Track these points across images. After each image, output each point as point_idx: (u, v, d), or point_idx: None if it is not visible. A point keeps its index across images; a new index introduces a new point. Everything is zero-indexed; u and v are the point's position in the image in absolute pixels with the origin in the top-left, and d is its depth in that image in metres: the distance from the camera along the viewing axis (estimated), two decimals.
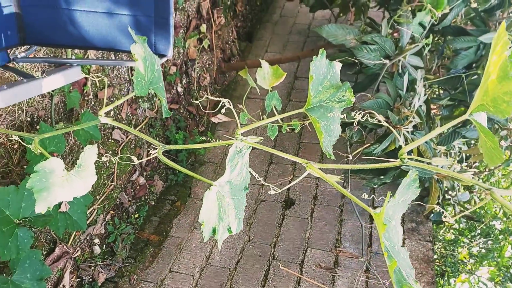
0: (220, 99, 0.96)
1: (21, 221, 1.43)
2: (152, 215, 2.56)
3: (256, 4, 3.82)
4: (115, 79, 2.13)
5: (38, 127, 1.66)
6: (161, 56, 1.21)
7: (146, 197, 2.55)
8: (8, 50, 1.16)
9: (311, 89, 0.81)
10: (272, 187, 0.89)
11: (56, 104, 1.75)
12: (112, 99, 2.11)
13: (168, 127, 2.64)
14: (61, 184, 0.97)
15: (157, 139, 2.56)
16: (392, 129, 0.94)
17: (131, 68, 2.23)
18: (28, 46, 1.22)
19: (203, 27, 2.85)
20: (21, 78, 1.16)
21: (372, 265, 2.19)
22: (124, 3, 1.14)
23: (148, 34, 1.19)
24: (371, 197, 2.35)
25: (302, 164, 0.76)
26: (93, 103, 1.98)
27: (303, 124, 1.81)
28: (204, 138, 2.90)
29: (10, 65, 1.17)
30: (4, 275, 1.50)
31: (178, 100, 2.74)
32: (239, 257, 2.32)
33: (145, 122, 2.39)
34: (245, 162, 0.96)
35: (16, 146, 1.59)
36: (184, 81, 2.79)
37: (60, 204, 1.64)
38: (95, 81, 1.96)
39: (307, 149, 2.89)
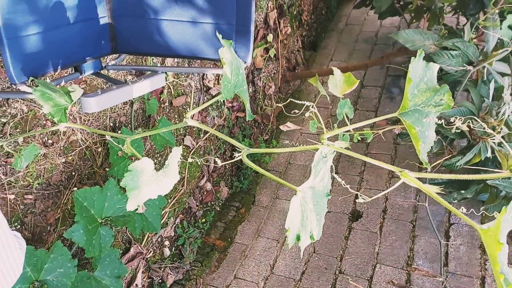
0: (305, 102, 0.95)
1: (103, 220, 1.52)
2: (217, 220, 2.60)
3: (322, 13, 3.79)
4: (188, 88, 2.21)
5: (119, 131, 1.76)
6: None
7: (213, 203, 2.60)
8: (100, 58, 1.24)
9: (408, 92, 0.76)
10: (360, 195, 0.85)
11: (136, 111, 1.85)
12: (184, 107, 2.19)
13: (234, 135, 2.68)
14: (150, 183, 1.01)
15: (224, 146, 2.61)
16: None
17: (202, 77, 2.30)
18: (117, 55, 1.31)
19: (270, 37, 2.88)
20: (111, 84, 1.24)
21: (448, 287, 2.03)
22: (208, 12, 1.17)
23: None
24: (470, 211, 2.19)
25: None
26: (168, 110, 2.07)
27: (377, 133, 1.75)
28: (267, 146, 2.90)
29: (101, 72, 1.26)
30: (86, 270, 1.60)
31: (244, 108, 2.78)
32: (304, 268, 2.27)
33: (213, 129, 2.45)
34: (328, 168, 0.94)
35: (100, 149, 1.69)
36: (250, 89, 2.82)
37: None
38: (170, 89, 2.04)
39: (376, 160, 2.78)
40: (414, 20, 2.60)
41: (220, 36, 0.89)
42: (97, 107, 1.05)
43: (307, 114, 0.99)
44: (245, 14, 1.16)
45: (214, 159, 0.91)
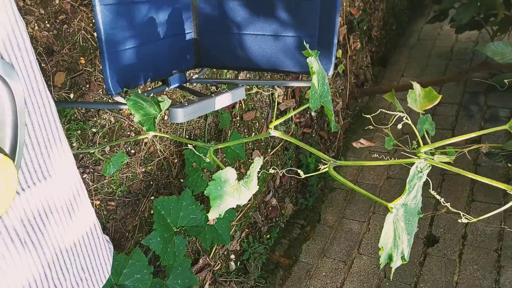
0: (398, 112, 0.90)
1: (178, 229, 1.55)
2: (282, 237, 2.56)
3: (392, 29, 3.68)
4: (258, 103, 2.23)
5: (194, 145, 1.81)
6: None
7: (277, 219, 2.57)
8: (185, 72, 1.29)
9: None
10: (464, 215, 0.78)
11: (209, 124, 1.90)
12: (253, 121, 2.21)
13: (301, 151, 2.65)
14: (232, 192, 1.01)
15: (290, 162, 2.58)
16: None
17: (272, 93, 2.31)
18: (200, 69, 1.35)
19: (339, 53, 2.84)
20: (193, 96, 1.28)
21: None
22: (290, 25, 1.18)
23: None
24: None
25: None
26: (238, 124, 2.10)
27: (461, 152, 1.62)
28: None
29: (185, 85, 1.30)
30: (159, 278, 1.64)
31: (311, 124, 2.75)
32: None
33: (280, 144, 2.44)
34: (421, 184, 0.87)
35: (176, 160, 1.75)
36: None
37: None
38: (241, 104, 2.08)
39: (452, 181, 2.59)
40: (498, 33, 2.42)
41: (307, 46, 0.88)
42: (184, 117, 1.08)
43: (391, 124, 0.94)
44: (329, 27, 1.14)
45: (297, 171, 0.89)
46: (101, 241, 0.96)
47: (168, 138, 1.70)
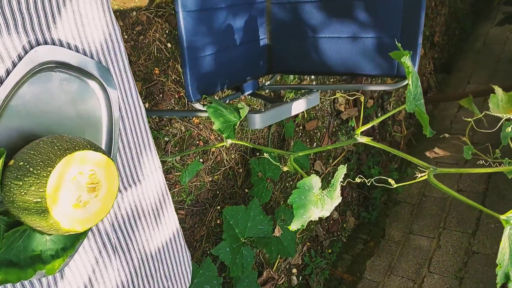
0: (469, 119, 0.81)
1: (245, 240, 1.52)
2: (344, 252, 2.45)
3: (455, 34, 3.50)
4: (319, 112, 2.17)
5: (257, 154, 1.79)
6: (404, 78, 1.14)
7: (339, 233, 2.47)
8: (258, 79, 1.27)
9: None
10: None
11: (272, 134, 1.87)
12: (315, 131, 2.16)
13: (362, 162, 2.55)
14: (316, 202, 0.96)
15: (352, 173, 2.48)
16: None
17: (333, 101, 2.25)
18: (271, 75, 1.33)
19: None
20: (266, 103, 1.25)
21: None
22: (370, 26, 1.12)
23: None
24: None
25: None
26: (300, 133, 2.05)
27: None
28: (400, 174, 2.69)
29: (257, 92, 1.28)
30: None
31: (372, 133, 2.64)
32: None
33: (342, 155, 2.36)
34: None
35: (241, 170, 1.73)
36: (379, 114, 2.68)
37: (273, 228, 1.69)
38: (304, 113, 2.03)
39: None
40: None
41: (399, 45, 0.82)
42: (261, 123, 1.06)
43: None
44: (414, 26, 1.07)
45: (370, 181, 0.83)
46: (183, 249, 0.94)
47: (233, 147, 1.69)
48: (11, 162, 0.57)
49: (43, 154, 0.55)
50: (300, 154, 1.04)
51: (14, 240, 0.62)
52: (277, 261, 2.00)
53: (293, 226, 0.96)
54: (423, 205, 2.58)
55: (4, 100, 0.59)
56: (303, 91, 1.24)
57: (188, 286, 0.98)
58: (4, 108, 0.60)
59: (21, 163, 0.55)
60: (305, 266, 2.21)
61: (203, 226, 1.60)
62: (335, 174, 0.96)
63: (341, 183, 0.99)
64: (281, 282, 1.98)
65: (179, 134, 1.46)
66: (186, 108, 1.47)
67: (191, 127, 1.49)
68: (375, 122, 0.92)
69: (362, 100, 0.92)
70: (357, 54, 1.16)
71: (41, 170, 0.54)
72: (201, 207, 1.59)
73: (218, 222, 1.67)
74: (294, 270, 2.16)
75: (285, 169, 1.08)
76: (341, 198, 1.04)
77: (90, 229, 0.74)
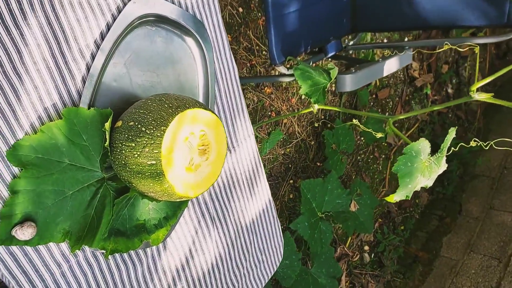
0: None
1: (323, 215, 1.45)
2: (417, 229, 2.31)
3: None
4: (392, 79, 2.02)
5: (328, 125, 1.69)
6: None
7: (411, 209, 2.33)
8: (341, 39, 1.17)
9: None
10: None
11: (344, 103, 1.76)
12: (387, 100, 2.01)
13: (437, 133, 2.36)
14: (423, 170, 0.86)
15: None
16: None
17: (407, 67, 2.08)
18: (354, 34, 1.21)
19: None
20: (344, 64, 1.14)
21: None
22: None
23: (502, 2, 0.98)
24: None
25: None
26: (372, 103, 1.92)
27: None
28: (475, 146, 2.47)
29: (339, 54, 1.18)
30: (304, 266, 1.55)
31: (447, 101, 2.43)
32: None
33: (416, 126, 2.20)
34: None
35: (312, 142, 1.65)
36: (453, 80, 2.46)
37: (350, 203, 1.60)
38: (376, 81, 1.89)
39: None
40: None
41: None
42: (352, 85, 0.96)
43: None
44: None
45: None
46: (275, 221, 0.89)
47: (305, 118, 1.60)
48: (119, 123, 0.53)
49: (154, 113, 0.50)
50: (401, 117, 0.94)
51: (121, 208, 0.59)
52: (350, 237, 1.92)
53: (396, 197, 0.86)
54: (504, 178, 2.36)
55: (106, 57, 0.55)
56: (387, 51, 1.12)
57: (280, 260, 0.93)
58: (105, 68, 0.55)
59: (132, 123, 0.51)
60: (377, 243, 2.11)
61: (276, 201, 1.55)
62: (446, 138, 0.85)
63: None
64: (355, 259, 1.90)
65: (252, 105, 1.40)
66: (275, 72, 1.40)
67: (263, 97, 1.42)
68: (499, 74, 0.79)
69: (477, 51, 0.79)
70: (458, 2, 1.02)
71: (154, 129, 0.49)
72: (274, 181, 1.54)
73: (291, 196, 1.61)
74: (366, 247, 2.07)
75: (379, 135, 0.99)
76: (446, 165, 0.93)
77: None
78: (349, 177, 1.87)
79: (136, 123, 0.50)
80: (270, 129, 1.49)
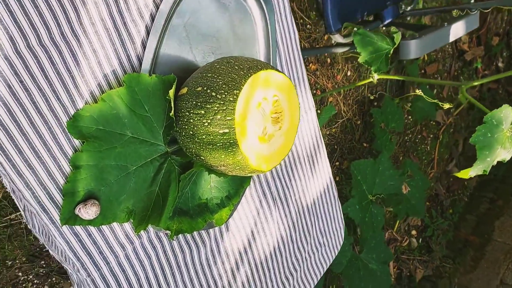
0: None
1: (373, 198, 1.37)
2: (467, 212, 2.19)
3: None
4: (440, 53, 1.89)
5: (375, 104, 1.59)
6: None
7: (460, 192, 2.20)
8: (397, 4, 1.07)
9: None
10: None
11: (391, 80, 1.65)
12: (435, 75, 1.89)
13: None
14: (503, 141, 0.77)
15: (476, 122, 2.17)
16: None
17: (455, 40, 1.94)
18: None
19: None
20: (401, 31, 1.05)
21: None
22: None
23: None
24: None
25: None
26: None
27: None
28: None
29: (397, 21, 1.08)
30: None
31: (498, 78, 2.27)
32: None
33: (467, 102, 2.06)
34: None
35: (359, 122, 1.56)
36: (504, 54, 2.29)
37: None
38: (424, 55, 1.77)
39: None
40: None
41: None
42: (416, 52, 0.87)
43: None
44: None
45: None
46: (336, 202, 0.83)
47: (351, 96, 1.51)
48: (183, 90, 0.48)
49: (225, 76, 0.45)
50: (475, 83, 0.85)
51: (184, 185, 0.54)
52: (397, 222, 1.83)
53: (472, 172, 0.78)
54: None
55: (166, 18, 0.49)
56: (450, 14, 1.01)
57: (341, 243, 0.87)
58: (164, 31, 0.50)
59: (199, 89, 0.45)
60: (425, 227, 2.01)
61: None
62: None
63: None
64: (404, 244, 1.82)
65: None
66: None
67: (308, 74, 1.35)
68: None
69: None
70: None
71: (226, 94, 0.44)
72: None
73: (337, 179, 1.54)
74: (414, 232, 1.97)
75: (446, 106, 0.90)
76: None
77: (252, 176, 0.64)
78: (396, 159, 1.78)
79: (205, 88, 0.45)
80: (316, 108, 1.41)
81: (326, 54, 1.38)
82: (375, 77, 0.89)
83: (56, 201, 0.44)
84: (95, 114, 0.45)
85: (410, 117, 1.75)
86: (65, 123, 0.44)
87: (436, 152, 1.97)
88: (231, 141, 0.44)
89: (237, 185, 0.61)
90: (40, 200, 0.43)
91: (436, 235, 2.02)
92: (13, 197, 0.56)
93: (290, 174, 0.71)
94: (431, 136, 1.94)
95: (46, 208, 0.44)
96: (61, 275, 0.95)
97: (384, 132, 1.52)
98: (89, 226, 0.47)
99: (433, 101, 0.90)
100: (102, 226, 0.48)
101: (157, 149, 0.50)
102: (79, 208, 0.45)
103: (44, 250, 0.93)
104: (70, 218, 0.45)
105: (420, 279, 1.95)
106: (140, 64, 0.49)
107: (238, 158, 0.45)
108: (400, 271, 1.90)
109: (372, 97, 1.58)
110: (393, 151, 1.71)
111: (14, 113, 0.40)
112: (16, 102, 0.40)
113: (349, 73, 1.48)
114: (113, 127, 0.47)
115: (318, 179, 0.77)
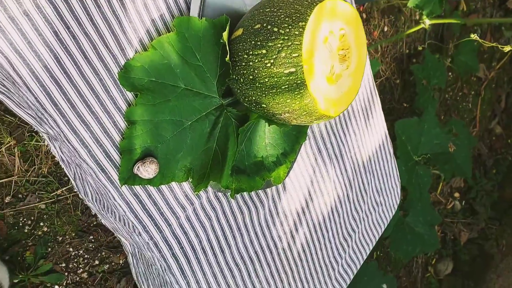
0: None
1: (419, 158, 1.31)
2: (511, 172, 2.09)
3: None
4: (479, 3, 1.76)
5: (414, 60, 1.50)
6: None
7: (503, 150, 2.09)
8: None
9: None
10: None
11: (429, 34, 1.55)
12: (474, 27, 1.76)
13: None
14: None
15: None
16: None
17: None
18: None
19: None
20: None
21: None
22: None
23: None
24: None
25: None
26: (458, 33, 1.69)
27: None
28: None
29: None
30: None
31: None
32: None
33: (508, 55, 1.93)
34: None
35: (398, 81, 1.48)
36: None
37: None
38: (463, 5, 1.65)
39: None
40: None
41: None
42: None
43: None
44: None
45: None
46: (392, 158, 0.78)
47: (388, 54, 1.43)
48: (238, 32, 0.43)
49: (286, 8, 0.40)
50: None
51: (240, 142, 0.50)
52: (441, 184, 1.76)
53: None
54: None
55: None
56: None
57: (398, 203, 0.82)
58: None
59: (258, 26, 0.41)
60: (468, 189, 1.93)
61: None
62: None
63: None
64: (449, 206, 1.75)
65: None
66: None
67: None
68: None
69: None
70: None
71: (291, 27, 0.39)
72: None
73: None
74: (457, 194, 1.90)
75: (507, 49, 0.82)
76: None
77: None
78: (437, 117, 1.69)
79: (265, 24, 0.40)
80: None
81: (361, 8, 1.30)
82: (427, 22, 0.82)
83: (114, 159, 0.41)
84: (146, 64, 0.41)
85: (450, 73, 1.65)
86: (116, 75, 0.40)
87: (478, 109, 1.86)
88: (298, 82, 0.39)
89: (293, 141, 0.56)
90: (97, 158, 0.40)
91: (480, 196, 1.93)
92: (62, 165, 0.54)
93: (345, 129, 0.67)
94: (473, 92, 1.83)
95: (103, 167, 0.41)
96: (110, 249, 0.95)
97: (427, 89, 1.43)
98: (149, 186, 0.44)
99: (492, 44, 0.82)
100: (161, 186, 0.45)
101: (212, 101, 0.46)
102: (138, 167, 0.42)
103: (92, 225, 0.92)
104: (129, 178, 0.42)
105: (465, 242, 1.88)
106: (188, 8, 0.45)
107: (305, 101, 0.40)
108: (444, 234, 1.84)
109: (418, 49, 1.49)
110: (436, 109, 1.62)
111: (63, 64, 0.36)
112: (64, 51, 0.36)
113: (385, 29, 1.39)
114: (166, 78, 0.43)
115: (373, 134, 0.72)
